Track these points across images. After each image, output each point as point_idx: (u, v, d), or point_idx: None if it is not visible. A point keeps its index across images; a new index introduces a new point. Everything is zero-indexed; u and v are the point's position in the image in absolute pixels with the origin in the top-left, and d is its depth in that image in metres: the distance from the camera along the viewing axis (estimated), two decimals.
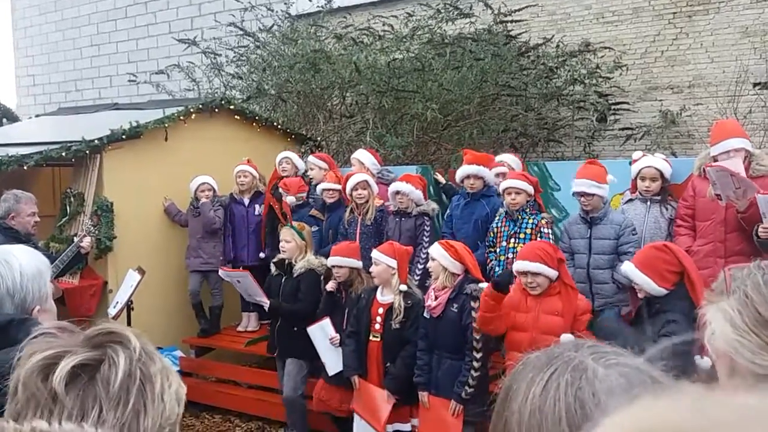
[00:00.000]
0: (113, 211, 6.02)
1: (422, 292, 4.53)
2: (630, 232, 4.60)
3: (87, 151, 5.88)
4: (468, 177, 5.37)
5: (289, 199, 6.11)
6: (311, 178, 6.42)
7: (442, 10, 8.61)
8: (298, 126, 8.40)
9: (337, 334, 4.85)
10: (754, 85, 8.02)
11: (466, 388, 4.09)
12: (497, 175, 5.54)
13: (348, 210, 5.76)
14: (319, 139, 8.14)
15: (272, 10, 9.81)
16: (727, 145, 4.44)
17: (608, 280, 4.62)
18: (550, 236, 4.90)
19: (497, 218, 5.16)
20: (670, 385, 0.76)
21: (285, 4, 9.98)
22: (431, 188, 6.12)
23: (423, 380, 4.32)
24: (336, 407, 4.88)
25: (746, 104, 7.95)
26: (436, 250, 4.23)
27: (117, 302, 5.38)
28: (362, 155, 6.19)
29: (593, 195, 4.61)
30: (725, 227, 4.50)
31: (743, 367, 1.07)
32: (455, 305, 4.14)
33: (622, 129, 8.70)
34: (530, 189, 5.00)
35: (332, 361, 4.86)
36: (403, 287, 4.45)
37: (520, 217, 4.98)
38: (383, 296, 4.56)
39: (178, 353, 6.30)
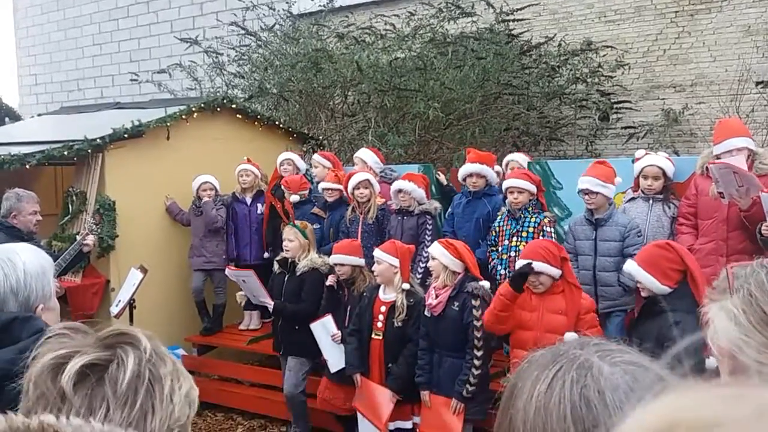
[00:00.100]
0: (115, 209, 6.03)
1: (424, 291, 4.53)
2: (635, 234, 4.57)
3: (89, 150, 5.89)
4: (470, 175, 5.39)
5: (293, 198, 6.12)
6: (314, 176, 6.43)
7: (444, 9, 8.61)
8: (300, 125, 8.39)
9: (339, 331, 4.86)
10: (757, 83, 8.00)
11: (467, 386, 4.08)
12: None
13: (350, 209, 5.77)
14: (321, 138, 8.13)
15: (274, 10, 9.82)
16: (730, 144, 4.42)
17: (614, 282, 4.57)
18: (553, 235, 4.89)
19: (499, 217, 5.16)
20: (677, 383, 0.75)
21: (287, 3, 9.97)
22: (433, 187, 6.12)
23: (424, 380, 4.32)
24: (340, 406, 4.88)
25: (749, 103, 7.94)
26: (437, 249, 4.23)
27: (119, 301, 5.38)
28: (365, 154, 6.20)
29: (597, 193, 4.60)
30: (727, 225, 4.48)
31: (747, 365, 1.06)
32: (456, 304, 4.14)
33: (625, 128, 8.69)
34: (533, 188, 4.99)
35: (334, 357, 4.86)
36: (406, 285, 4.46)
37: (522, 216, 4.98)
38: (385, 294, 4.56)
39: (181, 351, 6.30)
